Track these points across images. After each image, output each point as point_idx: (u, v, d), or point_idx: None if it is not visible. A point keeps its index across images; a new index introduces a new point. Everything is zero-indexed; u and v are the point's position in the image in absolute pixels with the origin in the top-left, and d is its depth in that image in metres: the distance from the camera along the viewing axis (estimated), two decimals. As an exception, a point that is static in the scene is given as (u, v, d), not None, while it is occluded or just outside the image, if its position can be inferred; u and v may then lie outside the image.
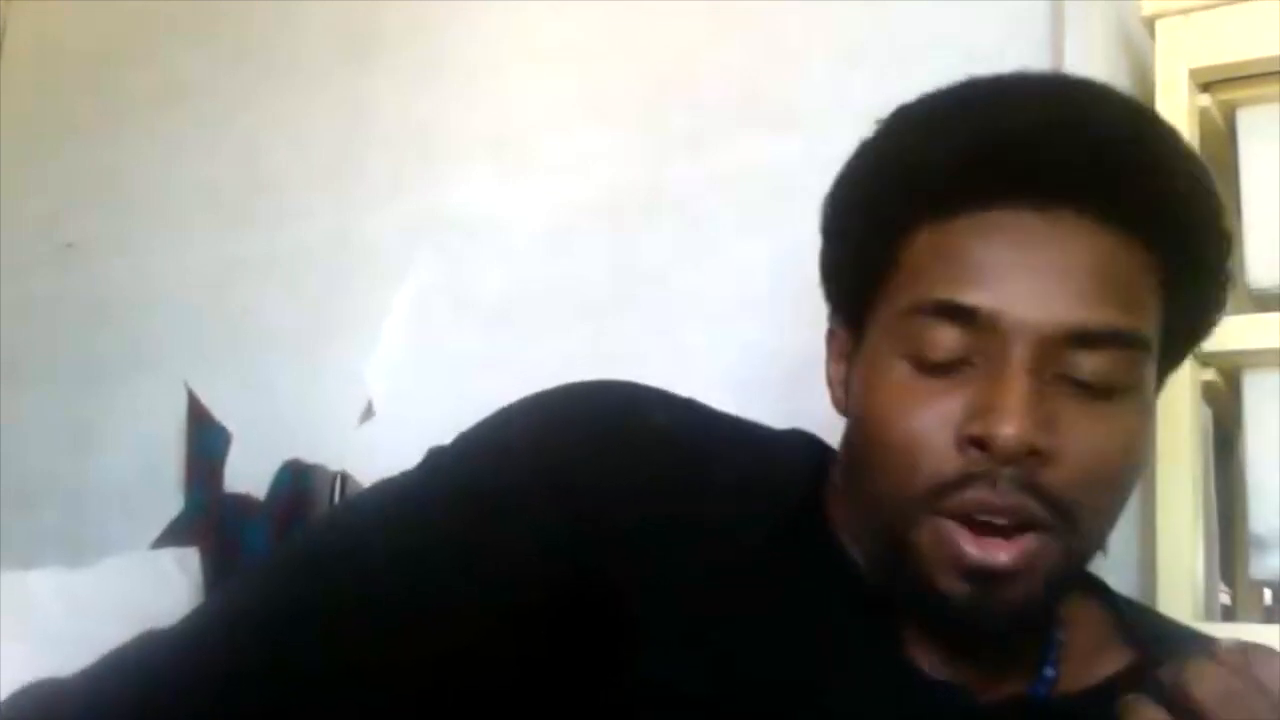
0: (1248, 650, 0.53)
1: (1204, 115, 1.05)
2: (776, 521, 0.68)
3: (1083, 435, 0.61)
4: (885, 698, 0.66)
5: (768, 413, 0.75)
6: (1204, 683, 0.52)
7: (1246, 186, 1.03)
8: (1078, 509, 0.61)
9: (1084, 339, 0.61)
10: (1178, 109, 1.02)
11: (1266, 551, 0.98)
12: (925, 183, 0.64)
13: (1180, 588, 0.95)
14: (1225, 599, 1.09)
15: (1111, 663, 0.70)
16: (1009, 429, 0.59)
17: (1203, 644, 0.74)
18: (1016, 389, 0.59)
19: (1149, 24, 1.06)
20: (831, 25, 1.33)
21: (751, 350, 1.28)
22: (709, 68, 1.39)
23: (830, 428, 0.75)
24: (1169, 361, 0.69)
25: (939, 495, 0.61)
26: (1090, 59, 1.15)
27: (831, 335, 0.73)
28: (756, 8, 1.37)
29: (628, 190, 1.41)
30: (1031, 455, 0.60)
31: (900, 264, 0.65)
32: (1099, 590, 0.75)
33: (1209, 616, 1.00)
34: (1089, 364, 0.61)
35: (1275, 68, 1.01)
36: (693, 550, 0.65)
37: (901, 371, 0.63)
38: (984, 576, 0.61)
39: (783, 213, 1.31)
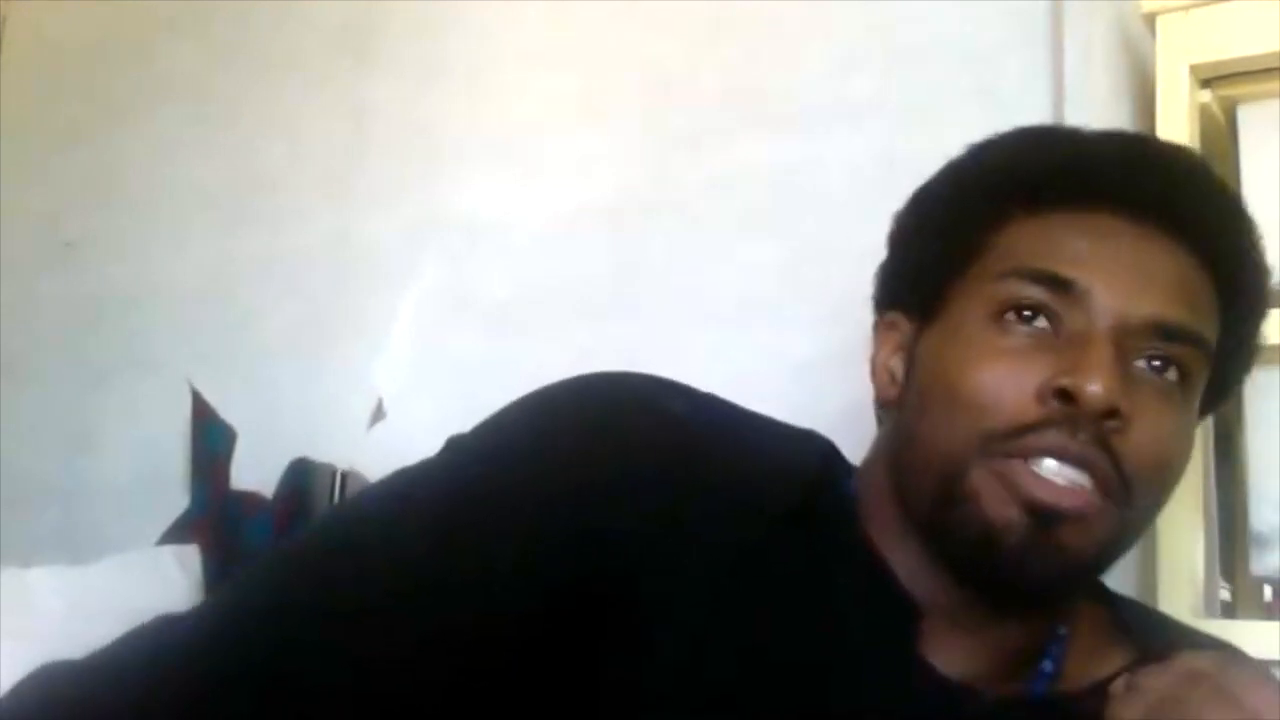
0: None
1: (1204, 111, 1.05)
2: (782, 516, 0.67)
3: (1152, 418, 0.65)
4: (894, 694, 0.66)
5: (769, 413, 0.74)
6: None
7: (1247, 182, 1.03)
8: (1139, 483, 0.65)
9: (1161, 332, 0.66)
10: (1178, 105, 1.02)
11: (1267, 548, 0.99)
12: (1030, 176, 0.70)
13: (1181, 583, 0.96)
14: (1225, 595, 1.09)
15: (1112, 661, 0.71)
16: (1097, 385, 0.62)
17: (1200, 643, 0.75)
18: (1107, 354, 0.64)
19: (1149, 21, 1.06)
20: (831, 25, 1.33)
21: (753, 350, 1.28)
22: (709, 68, 1.39)
23: (832, 428, 0.75)
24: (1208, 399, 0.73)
25: (1009, 437, 0.64)
26: (1090, 57, 1.15)
27: (890, 326, 0.75)
28: (756, 8, 1.37)
29: (628, 191, 1.41)
30: (1111, 417, 0.63)
31: (992, 246, 0.69)
32: (1099, 590, 0.76)
33: (1209, 613, 1.00)
34: (1162, 356, 0.66)
35: (1275, 64, 1.02)
36: (695, 545, 0.65)
37: (984, 331, 0.67)
38: (1043, 513, 0.63)
39: (783, 213, 1.32)
